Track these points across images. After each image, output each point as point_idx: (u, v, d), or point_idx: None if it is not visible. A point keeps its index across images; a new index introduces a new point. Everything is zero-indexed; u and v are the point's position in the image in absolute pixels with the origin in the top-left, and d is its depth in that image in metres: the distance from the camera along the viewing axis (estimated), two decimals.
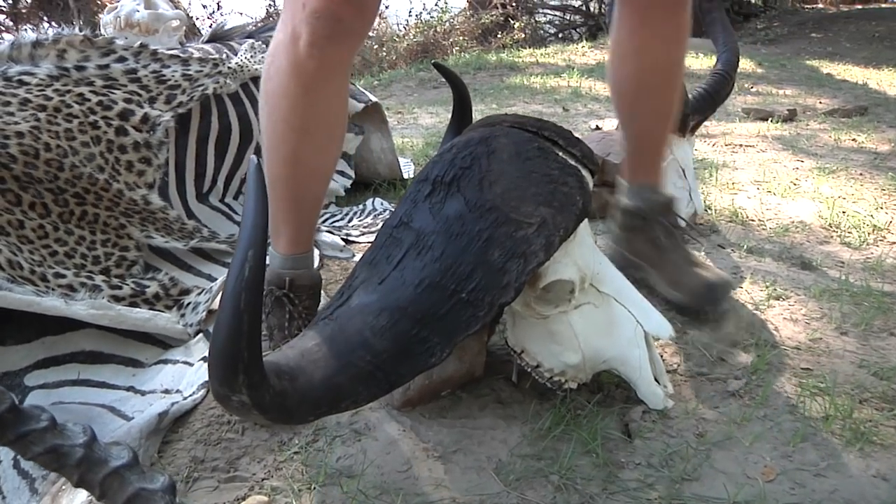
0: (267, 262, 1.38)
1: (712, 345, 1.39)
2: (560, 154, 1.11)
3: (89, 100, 1.49)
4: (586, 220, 1.21)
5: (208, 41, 2.04)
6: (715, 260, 1.78)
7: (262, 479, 1.07)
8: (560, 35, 10.02)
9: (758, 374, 1.30)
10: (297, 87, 1.18)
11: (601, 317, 1.19)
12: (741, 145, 2.96)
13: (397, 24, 9.33)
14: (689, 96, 1.92)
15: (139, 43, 1.68)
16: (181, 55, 1.75)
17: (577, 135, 1.17)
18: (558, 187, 1.05)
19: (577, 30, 10.14)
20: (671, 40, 1.40)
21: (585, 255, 1.15)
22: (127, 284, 1.43)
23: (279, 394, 0.85)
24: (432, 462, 1.11)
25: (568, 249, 1.11)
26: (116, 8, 1.79)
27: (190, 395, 1.26)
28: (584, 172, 1.13)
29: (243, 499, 1.02)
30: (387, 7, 9.19)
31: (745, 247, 1.85)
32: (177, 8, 1.86)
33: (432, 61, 1.96)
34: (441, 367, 1.23)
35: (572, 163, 1.11)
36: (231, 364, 0.77)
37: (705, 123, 3.45)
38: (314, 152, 1.26)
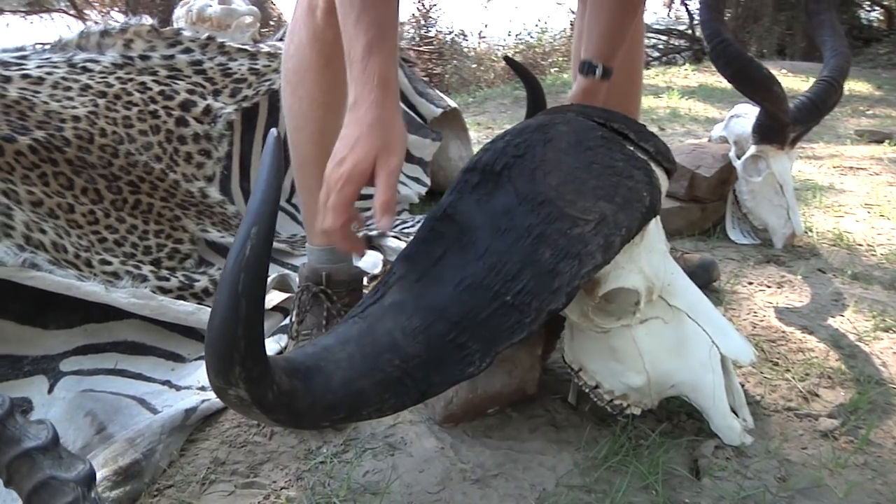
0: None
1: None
2: (628, 147, 0.98)
3: (151, 89, 1.48)
4: (659, 224, 1.07)
5: (281, 39, 2.02)
6: (813, 285, 1.59)
7: (281, 489, 0.99)
8: (664, 59, 9.75)
9: (858, 414, 1.12)
10: (318, 58, 1.14)
11: (671, 334, 1.04)
12: (851, 168, 2.70)
13: (497, 45, 9.36)
14: (791, 105, 1.73)
15: (206, 35, 1.67)
16: (249, 49, 1.73)
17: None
18: (622, 181, 0.92)
19: (682, 54, 9.85)
20: None
21: (654, 262, 1.01)
22: (175, 277, 1.39)
23: (286, 393, 0.76)
24: (468, 485, 0.99)
25: (633, 254, 0.98)
26: (189, 2, 1.80)
27: None
28: (656, 168, 1.00)
29: None
30: (486, 26, 9.24)
31: (850, 272, 1.64)
32: (252, 5, 1.84)
33: (503, 55, 1.87)
34: (487, 380, 1.12)
35: (641, 156, 0.98)
36: (226, 354, 0.68)
37: (812, 144, 3.21)
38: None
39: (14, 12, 9.56)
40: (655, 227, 1.04)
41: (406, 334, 0.83)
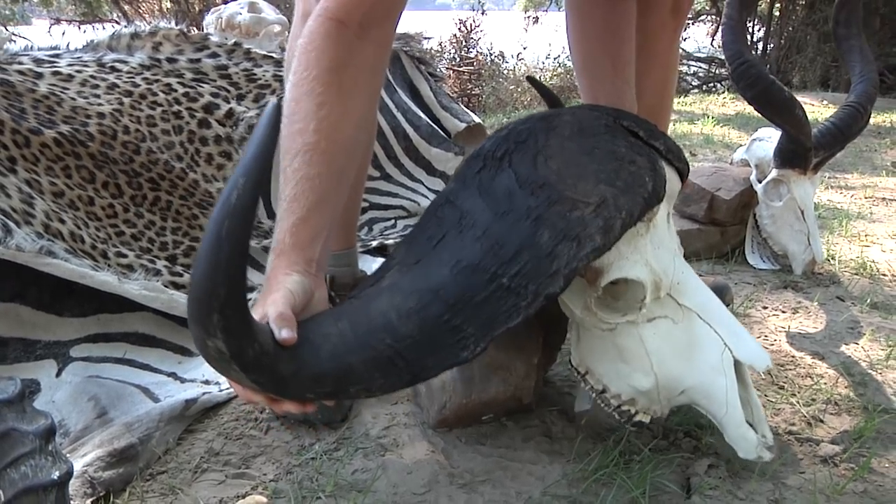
0: None
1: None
2: (632, 138, 0.98)
3: (176, 90, 1.53)
4: (671, 225, 1.05)
5: None
6: (829, 312, 1.56)
7: (270, 481, 1.00)
8: (704, 87, 9.68)
9: (862, 442, 1.09)
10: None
11: (680, 335, 1.00)
12: (883, 199, 2.64)
13: (536, 68, 9.41)
14: (815, 130, 1.71)
15: (233, 41, 1.71)
16: (275, 56, 1.77)
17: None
18: (624, 165, 0.91)
19: (722, 83, 9.76)
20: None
21: (662, 257, 0.99)
22: (189, 273, 1.42)
23: (269, 354, 0.74)
24: (455, 490, 0.99)
25: (638, 245, 0.96)
26: (220, 9, 1.86)
27: (226, 388, 1.21)
28: (661, 161, 0.99)
29: (244, 496, 0.95)
30: (525, 48, 9.29)
31: (869, 301, 1.61)
32: (282, 14, 1.89)
33: (526, 76, 1.88)
34: (482, 387, 1.12)
35: (644, 145, 0.97)
36: (205, 299, 0.66)
37: (845, 175, 3.15)
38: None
39: (70, 21, 9.94)
40: (666, 225, 1.02)
41: (400, 314, 0.82)
